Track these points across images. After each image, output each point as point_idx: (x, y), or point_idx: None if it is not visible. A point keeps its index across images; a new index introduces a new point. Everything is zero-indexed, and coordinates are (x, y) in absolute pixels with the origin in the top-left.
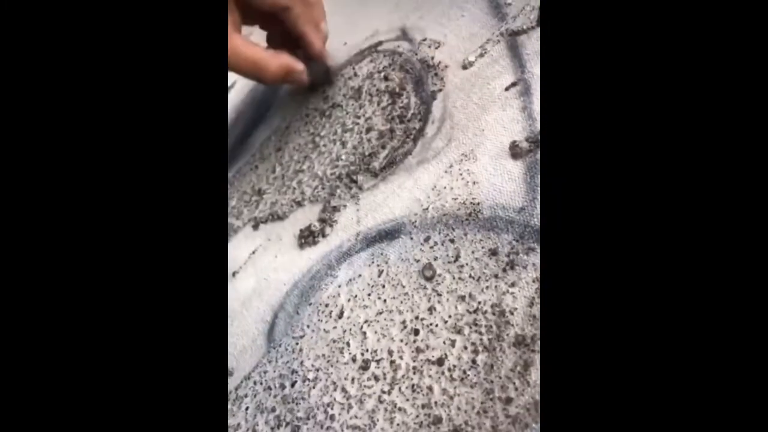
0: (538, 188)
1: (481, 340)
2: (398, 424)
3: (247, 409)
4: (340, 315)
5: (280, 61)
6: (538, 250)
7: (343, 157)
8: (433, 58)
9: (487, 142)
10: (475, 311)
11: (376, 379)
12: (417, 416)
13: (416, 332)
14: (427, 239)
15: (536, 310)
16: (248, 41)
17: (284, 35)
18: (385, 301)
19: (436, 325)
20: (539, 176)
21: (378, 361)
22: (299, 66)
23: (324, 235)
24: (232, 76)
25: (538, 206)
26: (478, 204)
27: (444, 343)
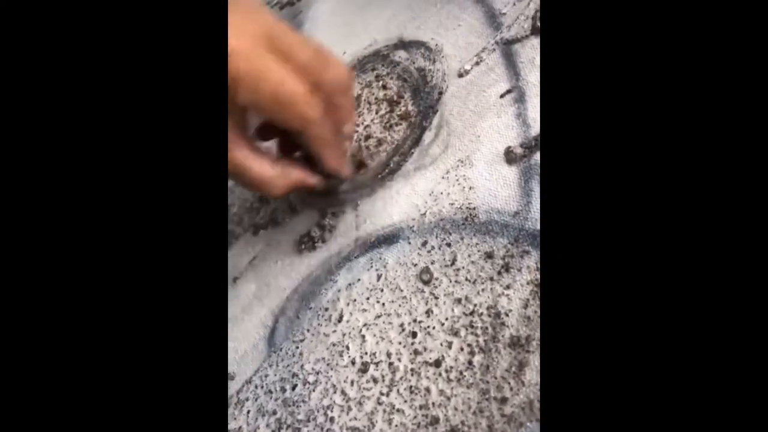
0: (533, 192)
1: (477, 341)
2: (396, 425)
3: (248, 412)
4: (340, 319)
5: (290, 179)
6: (533, 253)
7: None
8: (432, 62)
9: (482, 148)
10: (471, 313)
11: (375, 381)
12: (415, 417)
13: (414, 335)
14: (424, 244)
15: (531, 311)
16: (252, 151)
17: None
18: (383, 304)
19: (434, 328)
20: (534, 180)
21: (377, 364)
22: (311, 181)
23: (323, 241)
24: None
25: (533, 210)
26: (474, 209)
27: (441, 345)
